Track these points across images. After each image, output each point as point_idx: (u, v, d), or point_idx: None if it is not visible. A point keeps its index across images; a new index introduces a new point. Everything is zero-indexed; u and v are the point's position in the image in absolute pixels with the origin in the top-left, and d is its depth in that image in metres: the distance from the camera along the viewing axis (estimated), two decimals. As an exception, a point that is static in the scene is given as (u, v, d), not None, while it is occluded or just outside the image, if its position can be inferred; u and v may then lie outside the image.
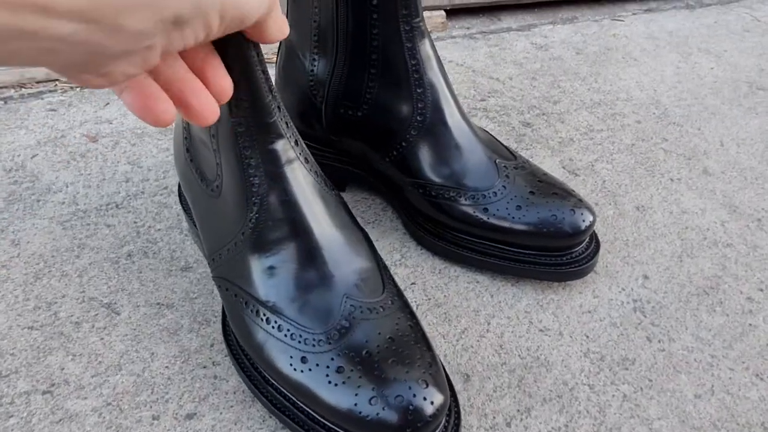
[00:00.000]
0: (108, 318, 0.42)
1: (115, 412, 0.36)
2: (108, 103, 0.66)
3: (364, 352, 0.31)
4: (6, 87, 0.69)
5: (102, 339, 0.40)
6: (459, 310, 0.43)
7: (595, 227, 0.45)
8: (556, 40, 0.83)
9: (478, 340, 0.41)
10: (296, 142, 0.34)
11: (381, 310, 0.33)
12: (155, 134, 0.61)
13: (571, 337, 0.42)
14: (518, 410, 0.37)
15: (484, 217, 0.43)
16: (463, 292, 0.45)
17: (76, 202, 0.52)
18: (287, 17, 0.48)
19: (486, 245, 0.45)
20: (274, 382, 0.33)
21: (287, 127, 0.34)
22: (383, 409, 0.29)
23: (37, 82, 0.70)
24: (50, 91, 0.68)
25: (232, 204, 0.35)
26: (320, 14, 0.45)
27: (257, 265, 0.34)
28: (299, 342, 0.32)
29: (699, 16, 0.94)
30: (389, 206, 0.52)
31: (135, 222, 0.50)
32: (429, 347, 0.33)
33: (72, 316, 0.42)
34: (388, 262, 0.47)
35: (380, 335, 0.32)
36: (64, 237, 0.48)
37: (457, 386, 0.38)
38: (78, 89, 0.68)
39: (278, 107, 0.33)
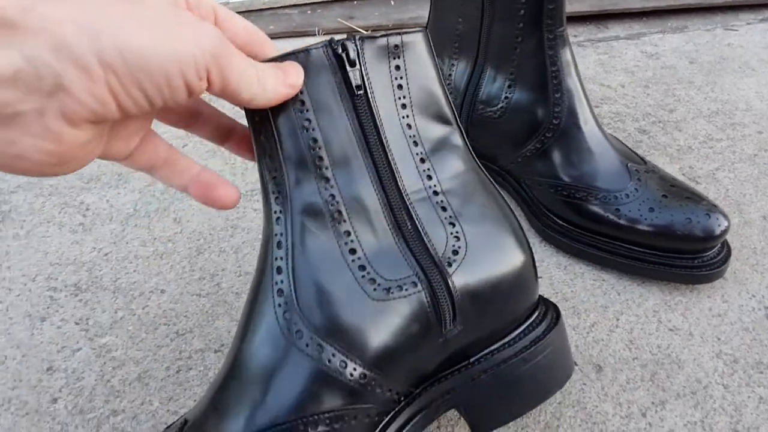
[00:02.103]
0: (263, 291, 0.47)
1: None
2: (242, 101, 0.72)
3: None
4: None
5: (260, 309, 0.45)
6: (587, 305, 0.45)
7: (726, 233, 0.45)
8: (667, 48, 0.82)
9: (608, 335, 0.43)
10: None
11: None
12: (288, 130, 0.66)
13: (701, 338, 0.42)
14: (653, 402, 0.38)
15: (615, 218, 0.45)
16: (590, 289, 0.46)
17: (225, 188, 0.57)
18: (428, 23, 0.52)
19: (613, 244, 0.46)
20: None
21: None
22: None
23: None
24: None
25: None
26: (463, 23, 0.48)
27: None
28: None
29: (820, 26, 0.90)
30: (513, 203, 0.54)
31: (278, 208, 0.55)
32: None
33: (233, 287, 0.47)
34: (513, 257, 0.49)
35: None
36: (218, 218, 0.54)
37: (590, 375, 0.40)
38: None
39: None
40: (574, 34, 0.88)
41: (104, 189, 0.58)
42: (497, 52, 0.47)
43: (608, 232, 0.46)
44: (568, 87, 0.46)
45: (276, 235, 0.29)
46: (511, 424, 0.37)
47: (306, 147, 0.28)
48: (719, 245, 0.45)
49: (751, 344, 0.42)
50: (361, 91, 0.28)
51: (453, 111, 0.31)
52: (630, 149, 0.49)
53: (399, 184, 0.29)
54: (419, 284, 0.28)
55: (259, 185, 0.57)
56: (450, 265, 0.29)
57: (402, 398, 0.30)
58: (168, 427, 0.31)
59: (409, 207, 0.29)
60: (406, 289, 0.28)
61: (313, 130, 0.28)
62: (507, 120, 0.48)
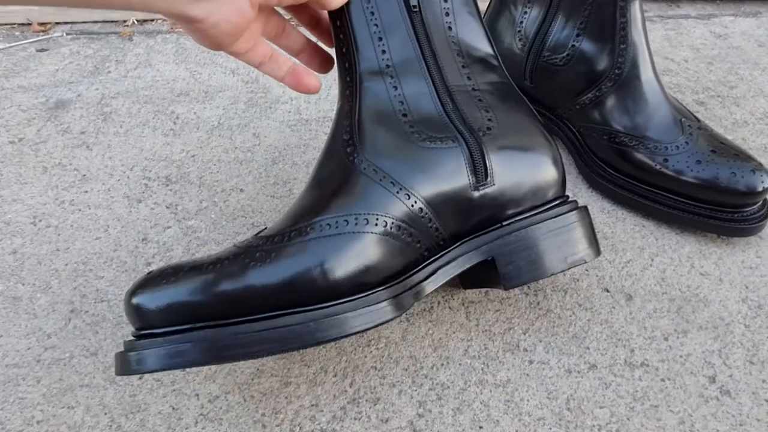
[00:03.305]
0: (329, 200, 0.52)
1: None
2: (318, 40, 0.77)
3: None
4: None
5: (326, 214, 0.50)
6: (625, 244, 0.48)
7: None
8: (736, 31, 0.82)
9: (641, 271, 0.46)
10: None
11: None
12: (359, 69, 0.71)
13: (730, 284, 0.45)
14: (675, 330, 0.42)
15: (663, 168, 0.48)
16: (630, 232, 0.50)
17: (300, 113, 0.63)
18: (505, -28, 0.55)
19: (657, 194, 0.49)
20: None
21: None
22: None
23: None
24: (271, 26, 0.80)
25: None
26: (541, -29, 0.51)
27: None
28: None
29: None
30: (565, 149, 0.58)
31: (346, 134, 0.60)
32: None
33: (302, 193, 0.53)
34: (560, 198, 0.53)
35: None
36: (292, 136, 0.59)
37: (620, 302, 0.44)
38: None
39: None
40: (645, 9, 0.88)
41: (192, 103, 0.64)
42: (571, 1, 0.50)
43: (654, 181, 0.49)
44: (633, 39, 0.48)
45: (346, 103, 0.37)
46: (542, 328, 0.42)
47: (374, 43, 0.36)
48: (761, 203, 0.48)
49: (777, 295, 0.45)
50: (417, 10, 0.37)
51: (492, 45, 0.39)
52: (686, 108, 0.51)
53: (444, 77, 0.37)
54: (457, 142, 0.35)
55: (328, 114, 0.63)
56: (483, 135, 0.36)
57: (442, 242, 0.36)
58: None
59: (452, 92, 0.37)
60: (446, 143, 0.35)
61: (380, 31, 0.37)
62: (570, 68, 0.51)
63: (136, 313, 0.31)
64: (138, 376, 0.38)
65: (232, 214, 0.50)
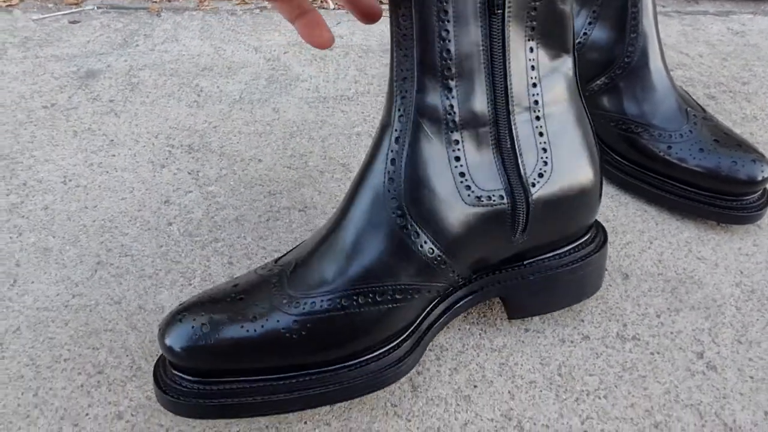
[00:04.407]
0: (343, 172, 0.54)
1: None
2: (339, 23, 0.79)
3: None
4: (260, -1, 0.85)
5: (339, 186, 0.53)
6: (625, 227, 0.50)
7: (769, 185, 0.49)
8: (754, 29, 0.83)
9: (639, 252, 0.48)
10: None
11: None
12: (378, 51, 0.73)
13: (726, 269, 0.47)
14: (668, 308, 0.44)
15: (666, 155, 0.49)
16: (632, 216, 0.51)
17: (318, 90, 0.65)
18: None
19: (660, 180, 0.51)
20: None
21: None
22: None
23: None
24: (294, 7, 0.83)
25: None
26: (557, -40, 0.52)
27: None
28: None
29: None
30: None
31: (362, 112, 0.62)
32: None
33: (317, 166, 0.55)
34: (566, 181, 0.54)
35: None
36: (310, 113, 0.62)
37: (617, 280, 0.46)
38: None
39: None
40: (663, 4, 0.89)
41: (216, 77, 0.66)
42: (584, -11, 0.51)
43: (658, 168, 0.50)
44: (644, 29, 0.50)
45: (396, 130, 0.33)
46: (540, 300, 0.44)
47: (439, 57, 0.31)
48: (760, 192, 0.49)
49: (771, 281, 0.46)
50: (500, 11, 0.31)
51: (573, 39, 0.35)
52: (693, 99, 0.53)
53: (509, 106, 0.33)
54: (505, 197, 0.34)
55: (345, 93, 0.65)
56: (533, 185, 0.34)
57: (461, 281, 0.36)
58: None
59: (512, 128, 0.33)
60: (494, 200, 0.34)
61: (449, 41, 0.31)
62: (582, 55, 0.53)
63: (170, 353, 0.32)
64: (156, 324, 0.41)
65: (249, 182, 0.53)
